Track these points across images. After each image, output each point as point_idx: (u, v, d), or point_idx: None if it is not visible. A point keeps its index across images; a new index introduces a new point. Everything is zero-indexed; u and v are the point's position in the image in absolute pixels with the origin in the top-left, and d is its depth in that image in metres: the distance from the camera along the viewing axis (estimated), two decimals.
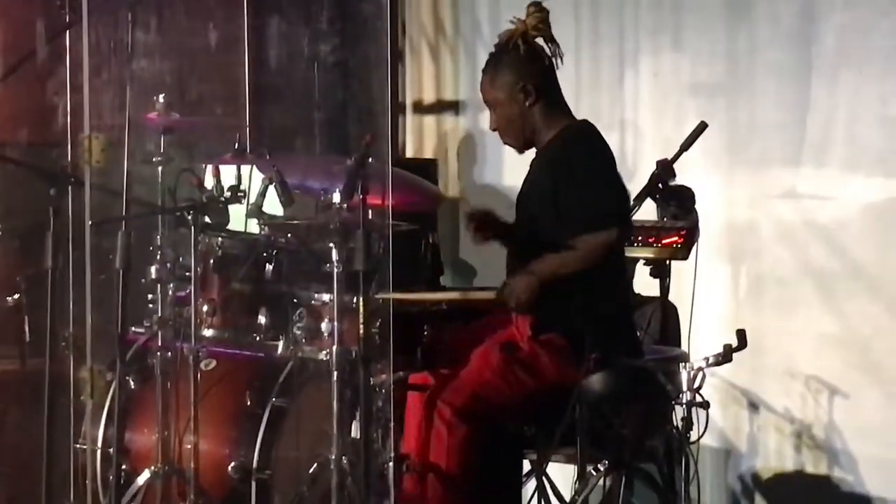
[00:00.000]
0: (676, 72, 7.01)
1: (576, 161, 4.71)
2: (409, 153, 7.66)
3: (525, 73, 4.78)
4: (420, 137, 7.74)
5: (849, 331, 6.50)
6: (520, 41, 4.77)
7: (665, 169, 5.49)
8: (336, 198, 4.68)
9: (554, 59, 4.83)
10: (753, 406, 6.70)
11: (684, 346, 5.59)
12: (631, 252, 5.33)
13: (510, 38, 4.80)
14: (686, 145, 5.57)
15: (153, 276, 4.95)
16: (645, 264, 5.59)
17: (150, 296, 5.02)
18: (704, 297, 5.84)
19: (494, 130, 4.88)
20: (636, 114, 7.06)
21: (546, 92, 4.83)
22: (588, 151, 4.78)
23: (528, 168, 5.01)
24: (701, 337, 5.52)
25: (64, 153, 5.04)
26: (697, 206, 5.64)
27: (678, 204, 5.52)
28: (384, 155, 4.63)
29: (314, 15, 5.61)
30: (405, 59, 7.57)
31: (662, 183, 5.48)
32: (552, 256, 4.68)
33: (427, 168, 7.19)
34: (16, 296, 5.70)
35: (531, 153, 5.01)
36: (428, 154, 7.70)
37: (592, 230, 4.63)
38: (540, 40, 4.81)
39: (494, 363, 4.70)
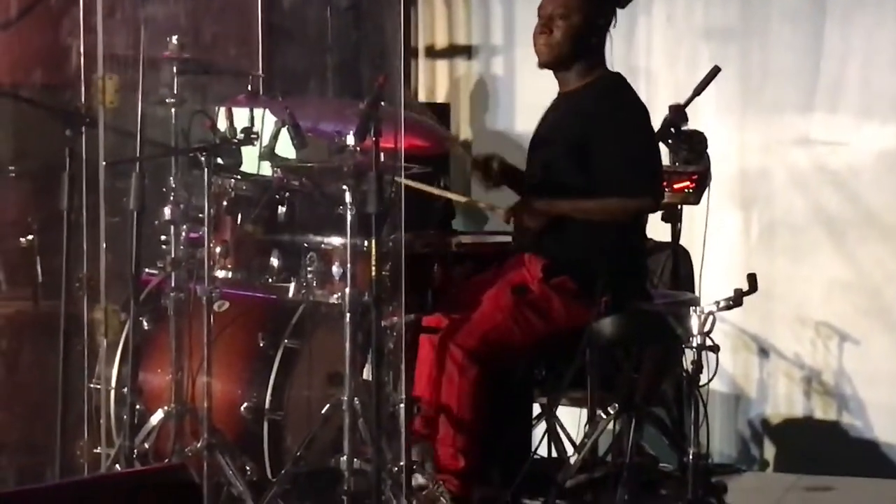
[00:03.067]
0: (689, 16, 6.99)
1: (617, 117, 4.70)
2: (421, 97, 7.65)
3: (602, 11, 4.78)
4: (432, 82, 7.72)
5: (860, 277, 6.52)
6: None
7: (677, 113, 5.49)
8: (349, 140, 4.67)
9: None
10: (763, 352, 6.73)
11: (696, 291, 5.60)
12: None
13: None
14: (699, 90, 5.56)
15: (166, 217, 4.95)
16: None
17: (163, 237, 5.02)
18: (716, 242, 5.86)
19: (540, 34, 4.82)
20: (649, 59, 7.05)
21: (601, 38, 4.83)
22: (630, 109, 4.77)
23: (546, 109, 4.97)
24: (713, 282, 5.54)
25: (78, 94, 5.04)
26: (710, 152, 5.63)
27: (690, 148, 5.52)
28: (397, 98, 4.62)
29: None
30: (417, 3, 7.56)
31: (675, 127, 5.48)
32: (583, 202, 4.69)
33: (439, 112, 7.18)
34: (29, 237, 5.70)
35: (545, 98, 4.98)
36: (440, 98, 7.69)
37: (629, 194, 4.64)
38: None
39: (505, 305, 4.71)
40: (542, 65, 4.88)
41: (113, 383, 5.22)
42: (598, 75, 4.84)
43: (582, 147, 4.69)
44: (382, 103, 4.55)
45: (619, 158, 4.64)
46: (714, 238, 5.71)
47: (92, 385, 5.13)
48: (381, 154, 4.54)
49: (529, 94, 6.53)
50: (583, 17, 4.77)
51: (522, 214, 4.75)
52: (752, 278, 4.57)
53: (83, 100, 4.99)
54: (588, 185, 4.70)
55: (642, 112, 4.78)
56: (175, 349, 4.94)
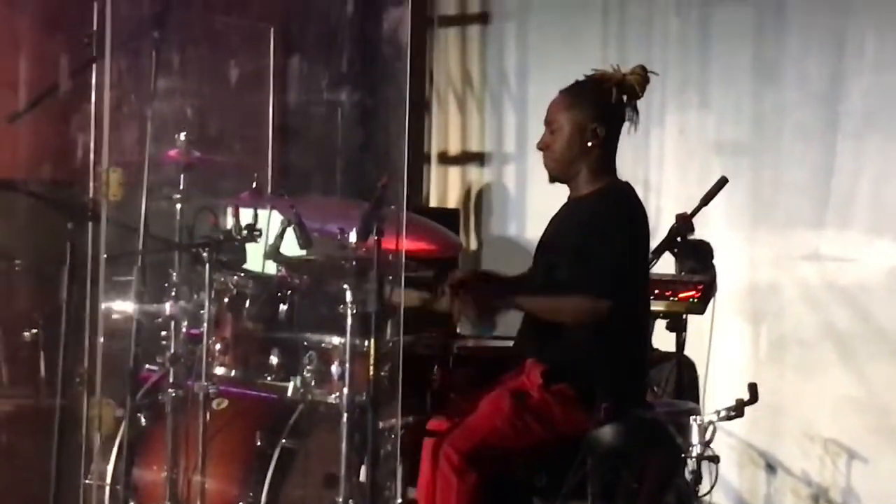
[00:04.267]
0: (701, 129, 7.01)
1: (605, 222, 4.68)
2: (432, 203, 7.67)
3: (603, 116, 4.75)
4: (444, 188, 7.75)
5: (870, 395, 6.45)
6: (614, 88, 4.74)
7: (684, 223, 5.47)
8: (351, 239, 4.66)
9: (631, 123, 4.82)
10: (770, 467, 6.65)
11: (700, 402, 5.54)
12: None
13: (606, 79, 4.77)
14: (706, 200, 5.55)
15: (167, 312, 4.93)
16: (661, 318, 5.56)
17: (163, 332, 5.00)
18: (725, 356, 5.81)
19: (541, 149, 4.83)
20: (661, 171, 7.06)
21: (607, 145, 4.80)
22: (618, 216, 4.74)
23: (555, 215, 4.95)
24: (719, 394, 5.48)
25: (82, 188, 5.05)
26: (719, 264, 5.60)
27: (696, 258, 5.49)
28: (400, 199, 4.61)
29: (335, 57, 5.63)
30: (431, 109, 7.62)
31: (681, 237, 5.46)
32: (538, 299, 4.67)
33: (449, 218, 7.19)
34: (33, 331, 5.69)
35: (557, 206, 4.96)
36: (451, 205, 7.71)
37: (588, 292, 4.59)
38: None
39: (505, 410, 4.67)
40: (549, 179, 4.90)
41: (108, 479, 5.17)
42: (604, 184, 4.82)
43: (577, 252, 4.67)
44: (386, 203, 4.54)
45: (589, 258, 4.61)
46: (722, 351, 5.67)
47: (87, 481, 5.07)
48: (383, 254, 4.53)
49: (541, 202, 6.51)
50: (575, 129, 4.76)
51: (468, 297, 4.70)
52: (752, 388, 4.52)
53: (88, 193, 4.99)
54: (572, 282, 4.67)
55: (630, 220, 4.74)
56: (171, 446, 4.89)
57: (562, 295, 4.64)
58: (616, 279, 4.60)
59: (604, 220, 4.68)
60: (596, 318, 4.59)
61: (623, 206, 4.78)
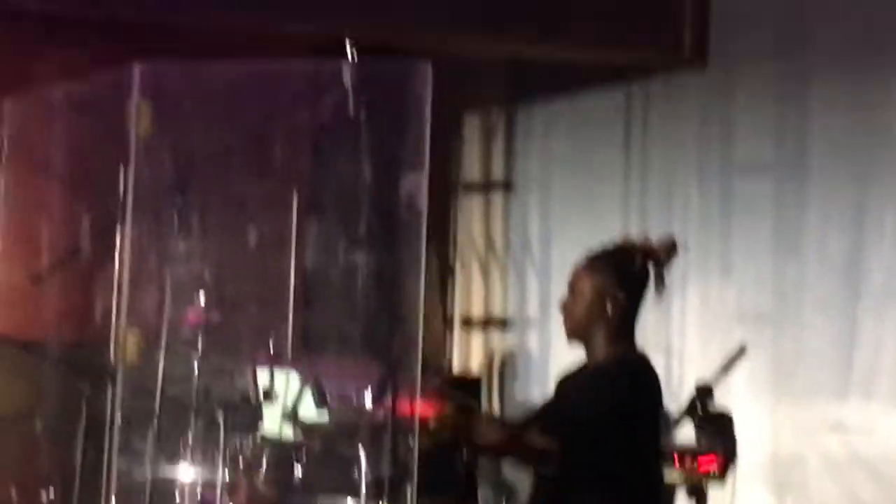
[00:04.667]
0: (723, 300, 7.01)
1: (598, 385, 4.64)
2: (455, 368, 7.67)
3: (624, 286, 4.73)
4: (467, 353, 7.76)
5: None
6: (639, 258, 4.74)
7: (704, 393, 5.45)
8: (367, 402, 4.66)
9: (657, 292, 4.80)
10: None
11: None
12: (668, 475, 5.25)
13: (635, 249, 4.77)
14: (725, 369, 5.53)
15: (182, 476, 4.92)
16: (683, 487, 5.51)
17: (177, 495, 4.98)
18: None
19: (562, 310, 4.81)
20: (683, 339, 7.04)
21: (627, 315, 4.77)
22: (620, 391, 4.69)
23: (570, 377, 4.93)
24: None
25: (100, 351, 5.08)
26: (741, 434, 5.56)
27: (716, 428, 5.46)
28: (415, 362, 4.62)
29: (354, 220, 5.69)
30: (455, 274, 7.67)
31: (702, 406, 5.43)
32: (504, 432, 4.60)
33: (471, 387, 7.18)
34: (50, 490, 5.67)
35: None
36: (474, 369, 7.70)
37: (549, 434, 4.53)
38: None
39: None
40: (567, 339, 4.86)
41: None
42: (621, 353, 4.77)
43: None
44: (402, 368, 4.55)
45: (572, 411, 4.56)
46: None
47: None
48: (398, 417, 4.51)
49: (564, 367, 6.52)
50: (595, 295, 4.74)
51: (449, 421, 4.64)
52: None
53: (105, 357, 5.02)
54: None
55: (627, 389, 4.68)
56: None
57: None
58: (582, 433, 4.52)
59: (597, 383, 4.64)
60: (542, 462, 4.51)
61: (625, 379, 4.71)
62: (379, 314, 5.33)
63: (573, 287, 4.79)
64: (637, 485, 4.63)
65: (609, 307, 4.70)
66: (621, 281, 4.72)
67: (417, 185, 4.82)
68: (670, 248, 4.77)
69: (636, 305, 4.77)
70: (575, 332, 4.78)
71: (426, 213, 4.74)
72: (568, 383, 4.80)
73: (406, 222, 4.91)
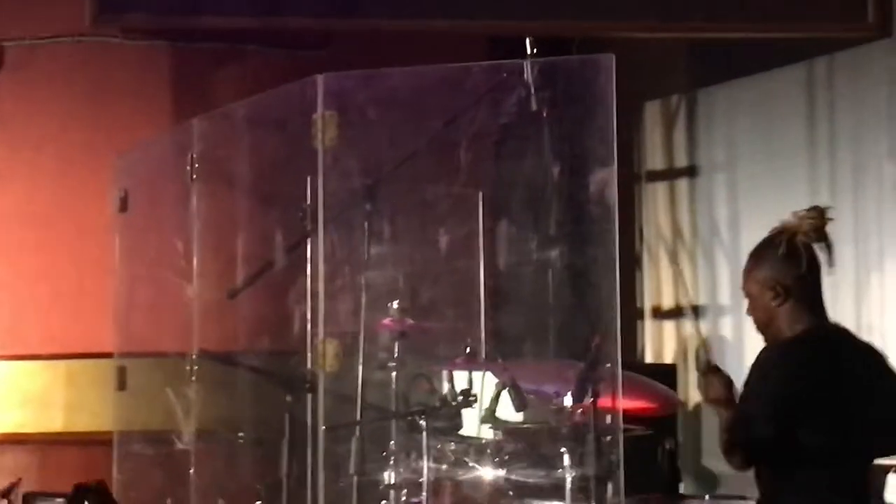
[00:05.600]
0: None
1: (769, 370, 4.57)
2: (648, 359, 7.60)
3: (779, 273, 4.67)
4: (660, 342, 7.68)
5: None
6: (784, 241, 4.68)
7: None
8: (567, 401, 4.64)
9: (824, 262, 4.72)
10: None
11: None
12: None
13: (778, 234, 4.72)
14: None
15: (386, 481, 4.95)
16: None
17: (384, 502, 5.01)
18: None
19: (749, 314, 4.79)
20: (882, 315, 6.88)
21: (797, 295, 4.70)
22: (785, 367, 4.61)
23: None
24: None
25: (300, 360, 5.14)
26: None
27: None
28: (614, 358, 4.58)
29: (544, 218, 5.67)
30: (643, 263, 7.60)
31: None
32: (734, 422, 4.54)
33: (666, 373, 7.10)
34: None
35: None
36: (667, 360, 7.62)
37: (734, 443, 4.48)
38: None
39: None
40: (764, 340, 4.84)
41: None
42: (802, 329, 4.69)
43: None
44: (601, 363, 4.52)
45: (745, 405, 4.50)
46: None
47: None
48: (600, 415, 4.49)
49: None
50: (759, 293, 4.69)
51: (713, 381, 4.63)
52: None
53: (306, 365, 5.08)
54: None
55: (794, 371, 4.59)
56: None
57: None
58: (751, 430, 4.46)
59: (765, 368, 4.58)
60: (732, 465, 4.48)
61: (797, 356, 4.64)
62: (575, 311, 5.31)
63: (746, 290, 4.76)
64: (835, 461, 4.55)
65: (775, 300, 4.64)
66: (782, 268, 4.65)
67: (607, 180, 4.79)
68: (820, 218, 4.67)
69: (805, 286, 4.68)
70: (764, 331, 4.75)
71: (617, 206, 4.71)
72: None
73: (597, 217, 4.88)
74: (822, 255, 4.66)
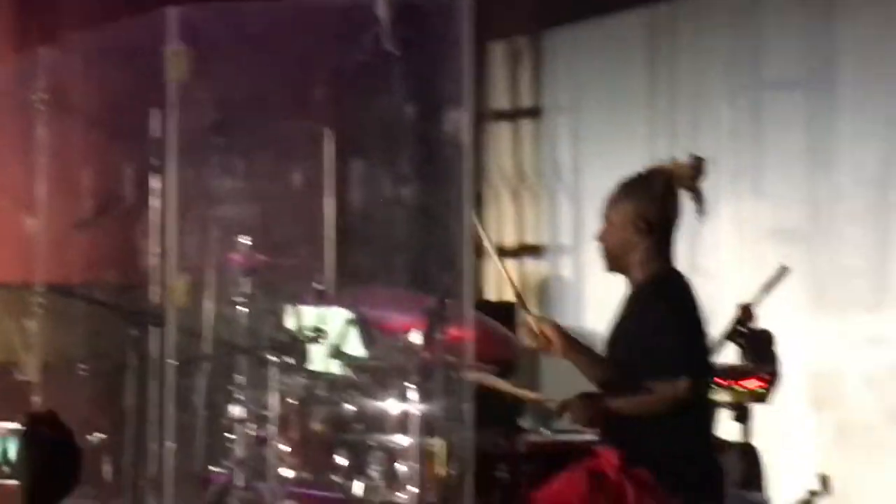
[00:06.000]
0: (756, 217, 7.00)
1: (663, 310, 4.68)
2: (489, 297, 7.68)
3: (647, 210, 4.77)
4: (500, 281, 7.76)
5: None
6: (661, 181, 4.78)
7: (746, 313, 5.47)
8: (416, 338, 4.69)
9: (695, 213, 4.83)
10: None
11: (765, 492, 5.51)
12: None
13: (654, 173, 4.81)
14: (766, 289, 5.55)
15: (233, 415, 4.96)
16: (727, 408, 5.54)
17: (230, 435, 5.03)
18: (788, 443, 5.77)
19: (599, 241, 4.86)
20: (716, 258, 7.05)
21: (658, 236, 4.81)
22: (675, 302, 4.74)
23: (618, 307, 4.96)
24: (785, 483, 5.45)
25: (147, 294, 5.11)
26: (780, 351, 5.59)
27: (759, 348, 5.48)
28: (464, 297, 4.64)
29: (396, 157, 5.69)
30: (486, 203, 7.66)
31: (743, 326, 5.45)
32: (626, 399, 4.65)
33: (507, 311, 7.19)
34: (98, 435, 5.72)
35: (615, 295, 4.97)
36: (508, 298, 7.71)
37: (666, 379, 4.59)
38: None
39: (580, 490, 4.63)
40: (605, 269, 4.91)
41: None
42: (657, 271, 4.82)
43: (638, 343, 4.67)
44: (449, 302, 4.58)
45: (659, 346, 4.60)
46: (786, 438, 5.62)
47: None
48: (448, 352, 4.55)
49: (599, 292, 6.54)
50: (621, 223, 4.78)
51: (572, 408, 4.71)
52: (824, 479, 4.49)
53: (153, 300, 5.05)
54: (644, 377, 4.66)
55: (687, 303, 4.74)
56: None
57: (641, 389, 4.62)
58: (688, 360, 4.60)
59: (665, 308, 4.68)
60: (682, 401, 4.58)
61: (679, 293, 4.78)
62: (427, 249, 5.36)
63: (607, 217, 4.83)
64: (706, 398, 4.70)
65: (637, 233, 4.74)
66: (652, 206, 4.76)
67: (460, 120, 4.83)
68: (698, 168, 4.80)
69: (667, 228, 4.81)
70: (613, 260, 4.83)
71: (470, 147, 4.75)
72: (624, 315, 4.84)
73: (450, 156, 4.92)
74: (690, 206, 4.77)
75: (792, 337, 6.27)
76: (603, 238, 4.82)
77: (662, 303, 4.65)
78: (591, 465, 4.69)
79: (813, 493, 4.48)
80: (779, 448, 5.45)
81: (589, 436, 4.99)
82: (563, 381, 5.26)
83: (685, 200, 4.79)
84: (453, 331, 4.60)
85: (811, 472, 5.79)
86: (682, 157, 4.83)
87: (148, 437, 5.06)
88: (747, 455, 5.58)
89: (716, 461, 4.83)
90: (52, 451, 3.17)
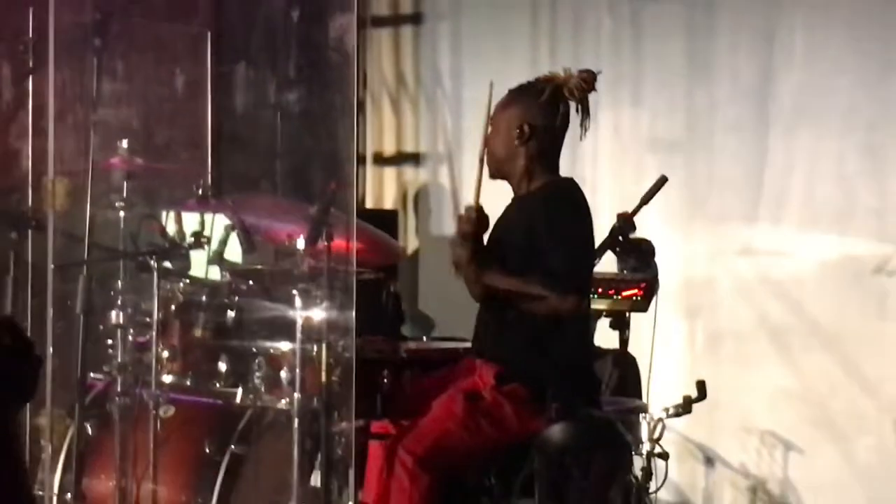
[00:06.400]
0: (635, 127, 7.06)
1: (561, 219, 4.71)
2: (369, 204, 7.68)
3: (532, 116, 4.79)
4: (380, 189, 7.76)
5: (805, 387, 6.54)
6: (549, 88, 4.78)
7: (625, 222, 5.52)
8: (299, 244, 4.67)
9: (580, 127, 4.84)
10: (709, 461, 6.72)
11: (644, 398, 5.60)
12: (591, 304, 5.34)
13: (545, 80, 4.82)
14: (646, 199, 5.60)
15: (113, 321, 4.92)
16: (605, 316, 5.61)
17: (109, 341, 4.99)
18: (663, 350, 5.86)
19: (484, 146, 4.86)
20: (595, 168, 7.10)
21: (542, 143, 4.82)
22: (574, 212, 4.78)
23: (501, 214, 4.98)
24: (660, 390, 5.54)
25: (25, 197, 5.03)
26: (656, 260, 5.66)
27: (638, 257, 5.56)
28: (349, 204, 4.63)
29: (280, 62, 5.63)
30: (366, 110, 7.62)
31: (623, 236, 5.51)
32: (517, 281, 4.67)
33: (387, 219, 7.20)
34: None
35: (496, 203, 5.00)
36: (388, 205, 7.72)
37: (562, 292, 4.61)
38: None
39: (457, 412, 4.69)
40: (490, 175, 4.92)
41: (56, 490, 5.14)
42: (548, 180, 4.87)
43: (528, 248, 4.70)
44: (333, 208, 4.56)
45: (559, 257, 4.64)
46: (661, 346, 5.71)
47: (34, 493, 5.04)
48: (331, 258, 4.54)
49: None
50: (506, 128, 4.81)
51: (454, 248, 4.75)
52: (701, 385, 4.57)
53: (31, 202, 4.97)
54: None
55: (585, 215, 4.79)
56: (120, 455, 4.88)
57: (536, 289, 4.64)
58: (579, 275, 4.65)
59: (557, 217, 4.71)
60: (568, 315, 4.62)
61: (571, 201, 4.82)
62: (310, 155, 5.33)
63: (495, 122, 4.85)
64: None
65: (520, 139, 4.77)
66: (533, 114, 4.79)
67: (346, 26, 4.79)
68: (588, 81, 4.84)
69: (553, 137, 4.84)
70: (494, 165, 4.86)
71: (356, 53, 4.72)
72: (510, 220, 4.86)
73: (334, 62, 4.89)
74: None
75: (667, 246, 6.36)
76: (491, 143, 4.84)
77: (556, 214, 4.68)
78: (466, 387, 4.74)
79: (689, 399, 4.55)
80: (654, 355, 5.52)
81: (466, 344, 5.05)
82: (439, 289, 5.30)
83: (571, 112, 4.83)
84: (337, 237, 4.58)
85: (685, 379, 5.90)
86: (563, 67, 4.86)
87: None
88: (625, 362, 5.67)
89: (592, 371, 4.91)
90: (10, 359, 3.05)
